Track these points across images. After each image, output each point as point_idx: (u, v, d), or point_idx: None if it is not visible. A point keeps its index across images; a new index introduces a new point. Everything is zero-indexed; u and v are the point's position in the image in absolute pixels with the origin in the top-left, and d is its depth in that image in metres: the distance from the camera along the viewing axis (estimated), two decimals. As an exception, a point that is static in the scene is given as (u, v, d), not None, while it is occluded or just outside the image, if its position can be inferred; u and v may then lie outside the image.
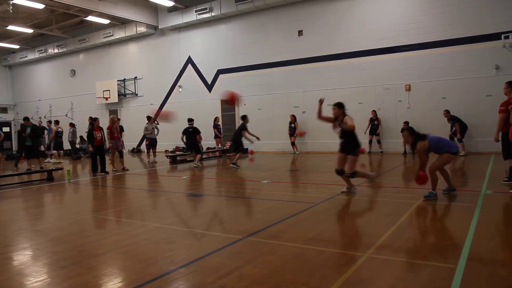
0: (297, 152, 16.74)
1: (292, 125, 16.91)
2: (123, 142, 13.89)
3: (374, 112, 15.33)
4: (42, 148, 17.49)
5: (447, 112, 13.57)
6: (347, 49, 16.23)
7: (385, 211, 5.87)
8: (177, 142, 19.21)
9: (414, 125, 13.78)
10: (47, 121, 19.04)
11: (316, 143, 16.78)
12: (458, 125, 13.30)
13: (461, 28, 14.03)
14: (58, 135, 17.35)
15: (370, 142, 15.43)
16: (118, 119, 14.45)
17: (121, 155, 13.19)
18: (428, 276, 3.39)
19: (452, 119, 13.46)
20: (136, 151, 22.55)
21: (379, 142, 15.34)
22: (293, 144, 16.96)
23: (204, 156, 16.16)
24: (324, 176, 10.45)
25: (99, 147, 12.09)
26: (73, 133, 18.91)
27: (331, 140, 16.48)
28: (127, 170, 12.98)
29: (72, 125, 19.12)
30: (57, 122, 18.04)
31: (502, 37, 13.15)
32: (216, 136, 17.46)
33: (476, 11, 13.77)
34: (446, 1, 14.27)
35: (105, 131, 12.68)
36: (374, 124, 15.23)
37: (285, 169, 12.18)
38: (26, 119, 13.96)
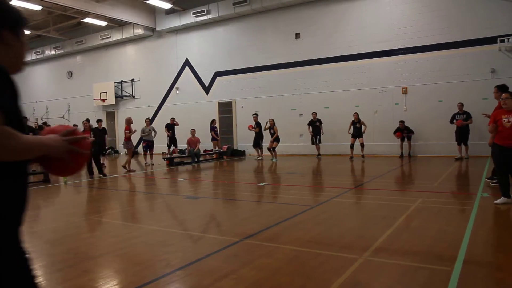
0: (275, 159, 15.38)
1: (272, 130, 15.45)
2: (104, 144, 13.93)
3: (356, 114, 14.44)
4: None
5: (461, 105, 13.08)
6: (344, 52, 16.27)
7: (382, 214, 5.88)
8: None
9: (411, 128, 13.95)
10: (36, 124, 18.92)
11: (312, 146, 16.77)
12: (472, 121, 12.84)
13: (457, 32, 14.10)
14: None
15: (352, 146, 14.39)
16: (100, 121, 14.33)
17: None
18: (425, 279, 3.39)
19: (466, 113, 12.96)
20: (133, 153, 22.51)
21: (362, 145, 14.29)
22: (273, 149, 15.58)
23: (201, 159, 16.17)
24: (321, 179, 10.46)
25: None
26: None
27: (329, 143, 16.53)
28: (127, 171, 13.04)
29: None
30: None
31: (498, 41, 13.22)
32: (213, 139, 17.45)
33: (472, 15, 13.84)
34: (443, 5, 14.34)
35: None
36: (356, 127, 14.32)
37: (282, 172, 12.19)
38: (23, 118, 13.93)
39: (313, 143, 15.89)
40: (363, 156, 14.25)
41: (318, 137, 15.78)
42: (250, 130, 16.23)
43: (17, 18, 1.56)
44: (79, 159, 1.58)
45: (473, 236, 4.52)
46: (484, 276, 3.47)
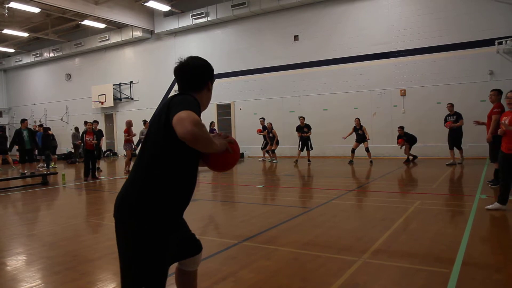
0: (276, 160, 15.62)
1: (270, 134, 15.66)
2: (101, 147, 13.84)
3: (357, 120, 13.89)
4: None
5: (451, 105, 12.42)
6: (342, 54, 16.30)
7: (380, 216, 5.88)
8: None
9: (410, 130, 13.90)
10: (38, 125, 18.90)
11: (313, 147, 16.78)
12: (462, 122, 12.17)
13: (455, 34, 14.14)
14: (50, 138, 17.25)
15: (353, 150, 13.94)
16: (96, 122, 14.12)
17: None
18: (423, 281, 3.39)
19: (456, 114, 12.30)
20: (132, 155, 22.47)
21: (367, 150, 13.74)
22: (272, 152, 15.85)
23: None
24: (320, 181, 10.46)
25: (91, 151, 11.92)
26: (75, 136, 19.00)
27: (328, 145, 16.55)
28: (126, 172, 13.14)
29: (76, 129, 19.29)
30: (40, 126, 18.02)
31: (496, 43, 13.26)
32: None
33: (470, 17, 13.89)
34: (441, 7, 14.38)
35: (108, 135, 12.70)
36: (359, 134, 13.81)
37: (281, 174, 12.19)
38: (24, 120, 13.85)
39: (300, 148, 14.94)
40: (371, 161, 13.55)
41: (309, 142, 14.77)
42: (259, 134, 16.50)
43: (213, 71, 2.36)
44: (236, 150, 2.23)
45: (472, 238, 4.53)
46: (483, 278, 3.46)
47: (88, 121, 14.09)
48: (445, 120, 12.57)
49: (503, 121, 5.84)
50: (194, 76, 2.22)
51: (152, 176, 2.02)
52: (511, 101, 5.84)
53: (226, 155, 2.19)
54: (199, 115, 1.99)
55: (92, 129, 12.19)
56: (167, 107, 1.99)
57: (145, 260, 1.98)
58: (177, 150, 2.00)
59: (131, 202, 2.02)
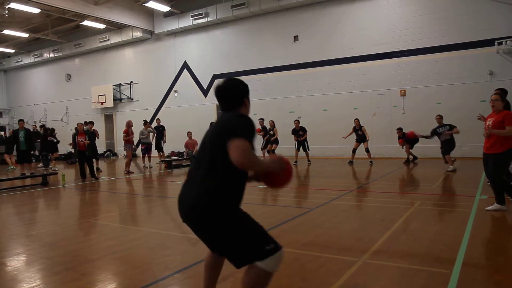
0: None
1: (271, 132, 15.28)
2: (96, 148, 13.75)
3: (356, 120, 13.91)
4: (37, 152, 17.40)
5: (440, 117, 11.89)
6: (342, 55, 16.30)
7: (380, 216, 5.88)
8: (172, 147, 19.20)
9: (409, 130, 13.88)
10: (40, 126, 18.86)
11: (313, 148, 16.78)
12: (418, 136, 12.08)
13: (455, 34, 14.15)
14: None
15: (354, 151, 13.96)
16: (91, 122, 14.05)
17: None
18: (423, 281, 3.39)
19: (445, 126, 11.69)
20: (132, 156, 22.45)
21: (367, 150, 13.77)
22: (273, 152, 15.50)
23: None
24: (320, 181, 10.46)
25: (83, 152, 11.81)
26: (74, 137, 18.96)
27: (328, 145, 16.54)
28: (132, 173, 13.22)
29: (76, 129, 19.29)
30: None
31: (496, 43, 13.28)
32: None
33: (470, 17, 13.90)
34: (441, 7, 14.39)
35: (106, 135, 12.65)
36: (359, 134, 13.82)
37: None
38: (20, 120, 13.84)
39: (296, 148, 14.83)
40: (371, 162, 13.54)
41: (305, 143, 14.71)
42: (258, 134, 16.35)
43: (248, 88, 2.64)
44: (287, 174, 2.69)
45: (472, 238, 4.52)
46: (483, 279, 3.47)
47: (87, 121, 14.06)
48: (435, 133, 11.74)
49: (487, 123, 5.87)
50: (233, 97, 2.60)
51: (215, 181, 2.44)
52: (494, 103, 5.86)
53: (277, 178, 2.64)
54: (252, 137, 2.40)
55: (83, 130, 12.13)
56: (227, 129, 2.38)
57: (246, 233, 2.58)
58: (231, 164, 2.35)
59: (207, 204, 2.45)
